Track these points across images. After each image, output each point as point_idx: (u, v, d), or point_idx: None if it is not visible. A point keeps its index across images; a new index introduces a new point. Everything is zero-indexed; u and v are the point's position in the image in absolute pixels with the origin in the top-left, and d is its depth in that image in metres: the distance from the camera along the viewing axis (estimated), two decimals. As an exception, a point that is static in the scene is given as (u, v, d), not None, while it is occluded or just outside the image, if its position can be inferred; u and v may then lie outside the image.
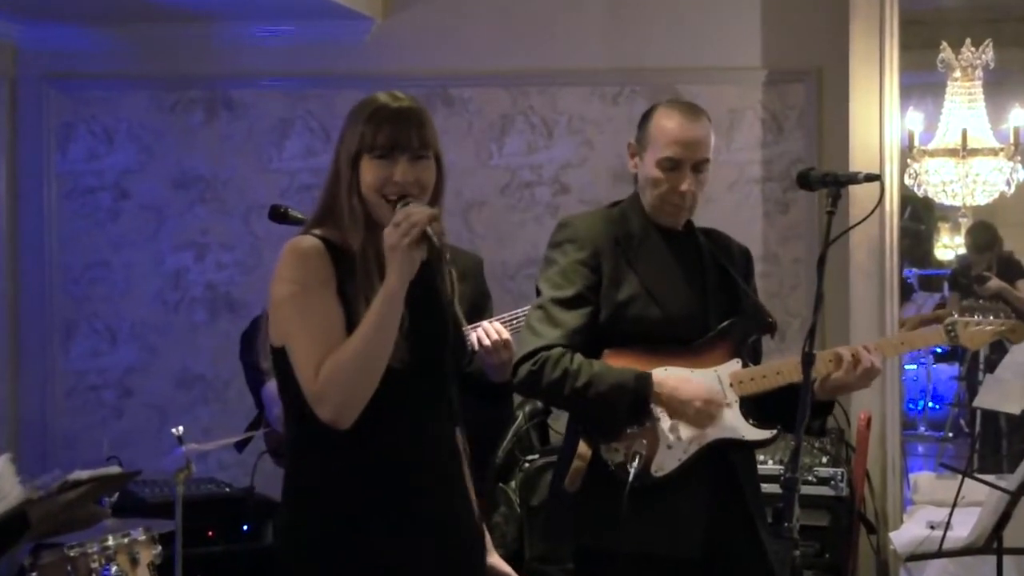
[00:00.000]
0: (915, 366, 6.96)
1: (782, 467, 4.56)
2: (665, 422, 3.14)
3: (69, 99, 6.19)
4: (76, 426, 6.14)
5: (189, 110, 6.12)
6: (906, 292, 6.31)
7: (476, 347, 3.36)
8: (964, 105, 5.86)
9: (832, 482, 4.91)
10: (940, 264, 7.18)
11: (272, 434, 4.41)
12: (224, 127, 6.08)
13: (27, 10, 5.90)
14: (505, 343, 3.41)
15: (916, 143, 5.77)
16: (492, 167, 5.91)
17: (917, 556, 4.43)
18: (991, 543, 3.94)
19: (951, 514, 4.13)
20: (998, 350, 5.04)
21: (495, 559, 2.89)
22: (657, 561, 3.12)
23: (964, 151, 5.74)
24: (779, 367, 3.19)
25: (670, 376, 3.15)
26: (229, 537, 5.07)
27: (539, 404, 5.09)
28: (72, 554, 3.68)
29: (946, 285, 6.90)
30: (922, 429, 7.08)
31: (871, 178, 3.04)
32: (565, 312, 3.18)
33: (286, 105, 6.04)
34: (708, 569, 3.16)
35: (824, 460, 4.99)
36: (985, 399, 4.65)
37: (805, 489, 4.63)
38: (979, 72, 5.80)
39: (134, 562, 3.81)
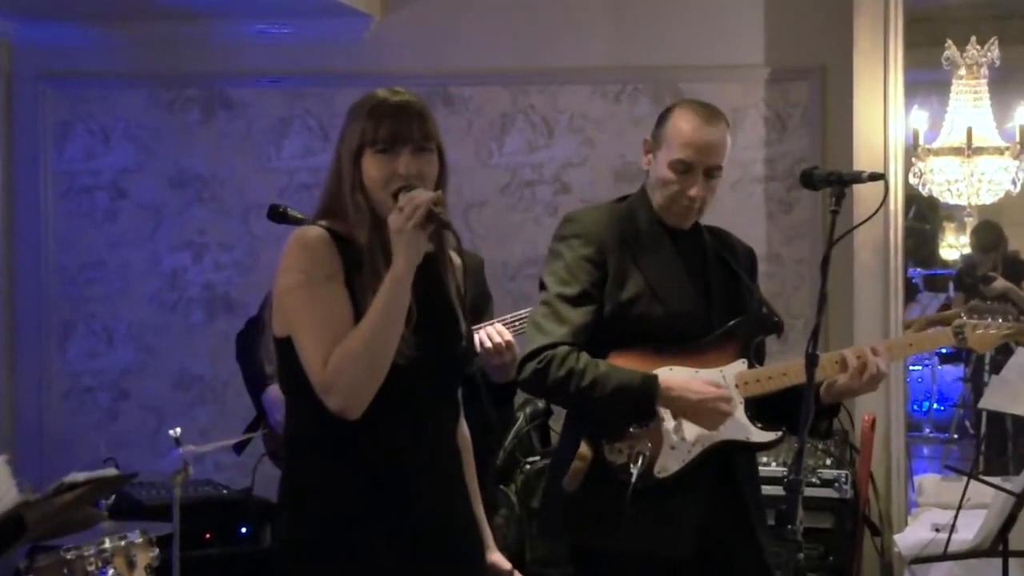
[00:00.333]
0: (920, 367, 6.95)
1: (785, 469, 4.58)
2: (669, 423, 3.13)
3: (66, 97, 6.15)
4: (73, 428, 6.11)
5: (187, 109, 6.08)
6: (911, 292, 6.30)
7: (479, 349, 3.36)
8: (969, 103, 5.86)
9: (836, 484, 4.91)
10: (945, 264, 7.17)
11: (272, 436, 4.40)
12: (222, 126, 6.05)
13: (23, 7, 5.87)
14: (508, 345, 3.41)
15: (921, 142, 5.77)
16: (492, 166, 5.87)
17: (922, 559, 4.43)
18: (997, 546, 3.95)
19: (956, 516, 4.14)
20: (1004, 351, 5.00)
21: (496, 556, 2.87)
22: (655, 561, 3.10)
23: (969, 150, 5.73)
24: (785, 368, 3.17)
25: (676, 376, 3.12)
26: (227, 539, 5.06)
27: (540, 406, 5.07)
28: (69, 557, 3.66)
29: (951, 285, 6.90)
30: (927, 431, 7.07)
31: (875, 177, 3.02)
32: (571, 309, 3.15)
33: (284, 104, 6.01)
34: (706, 569, 3.15)
35: (828, 462, 4.99)
36: (991, 400, 4.63)
37: (809, 491, 4.64)
38: (984, 70, 5.79)
39: (131, 565, 3.80)
